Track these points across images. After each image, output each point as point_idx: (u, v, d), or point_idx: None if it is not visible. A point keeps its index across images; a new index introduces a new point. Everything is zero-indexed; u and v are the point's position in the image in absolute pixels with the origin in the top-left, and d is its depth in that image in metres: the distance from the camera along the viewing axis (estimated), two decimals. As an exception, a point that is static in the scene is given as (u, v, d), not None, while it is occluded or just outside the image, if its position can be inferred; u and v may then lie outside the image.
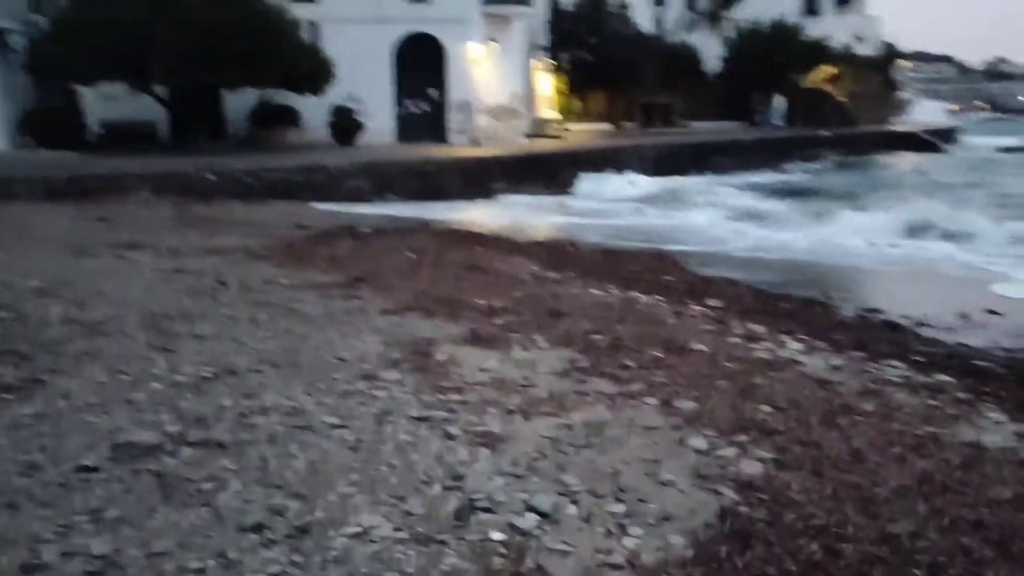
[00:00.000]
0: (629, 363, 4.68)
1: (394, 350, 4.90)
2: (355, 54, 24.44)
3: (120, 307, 6.08)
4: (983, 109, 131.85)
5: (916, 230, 12.70)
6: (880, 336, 6.02)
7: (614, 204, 18.68)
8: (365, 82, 25.29)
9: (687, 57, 39.86)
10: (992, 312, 7.17)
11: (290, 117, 25.53)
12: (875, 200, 17.30)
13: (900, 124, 45.36)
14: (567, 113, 37.05)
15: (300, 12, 22.90)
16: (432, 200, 19.38)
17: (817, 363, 5.03)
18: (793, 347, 5.38)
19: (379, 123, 25.91)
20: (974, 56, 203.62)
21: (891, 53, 44.30)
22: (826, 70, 41.10)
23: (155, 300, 6.37)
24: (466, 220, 14.91)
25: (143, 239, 9.98)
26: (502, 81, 27.90)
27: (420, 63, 26.63)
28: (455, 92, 26.89)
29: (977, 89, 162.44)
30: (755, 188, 22.30)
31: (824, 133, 34.55)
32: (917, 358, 5.34)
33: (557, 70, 35.83)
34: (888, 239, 12.26)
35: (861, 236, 12.35)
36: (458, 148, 24.78)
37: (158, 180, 15.61)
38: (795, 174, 28.52)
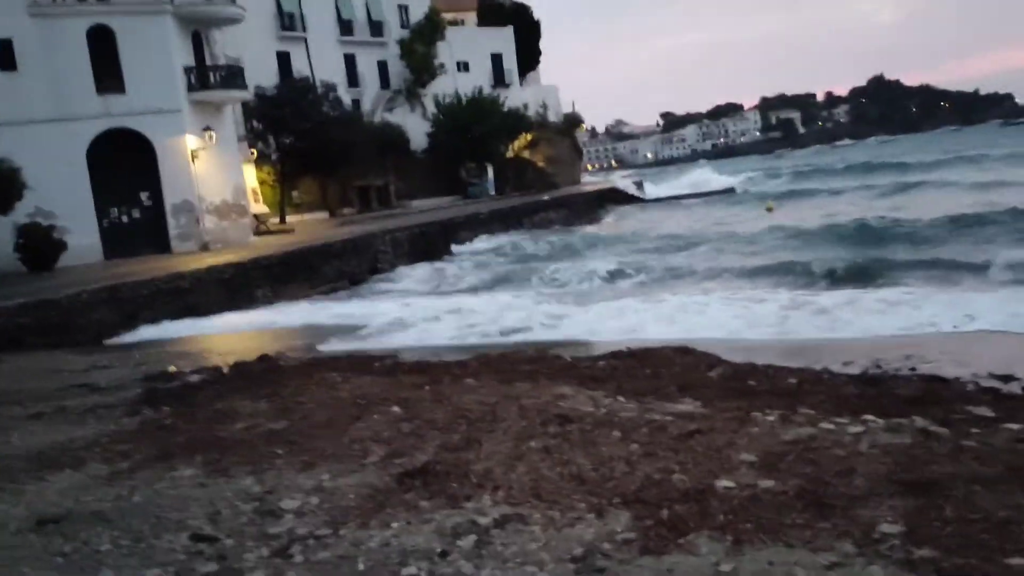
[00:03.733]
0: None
1: None
2: (39, 160, 20.02)
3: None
4: (616, 167, 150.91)
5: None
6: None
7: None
8: (57, 192, 20.86)
9: (393, 136, 39.44)
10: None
11: (-43, 245, 20.09)
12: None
13: (591, 184, 49.45)
14: (274, 206, 34.43)
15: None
16: (193, 318, 16.22)
17: None
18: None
19: (82, 239, 21.47)
20: (599, 121, 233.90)
21: (574, 119, 48.16)
22: (525, 138, 43.40)
23: None
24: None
25: None
26: (223, 175, 24.85)
27: (123, 163, 22.68)
28: (172, 193, 23.27)
29: (607, 150, 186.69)
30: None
31: (545, 198, 36.02)
32: None
33: (260, 160, 33.21)
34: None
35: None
36: (189, 257, 21.30)
37: None
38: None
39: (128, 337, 14.56)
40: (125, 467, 5.21)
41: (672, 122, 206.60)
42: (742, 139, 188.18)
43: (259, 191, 32.90)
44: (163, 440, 5.81)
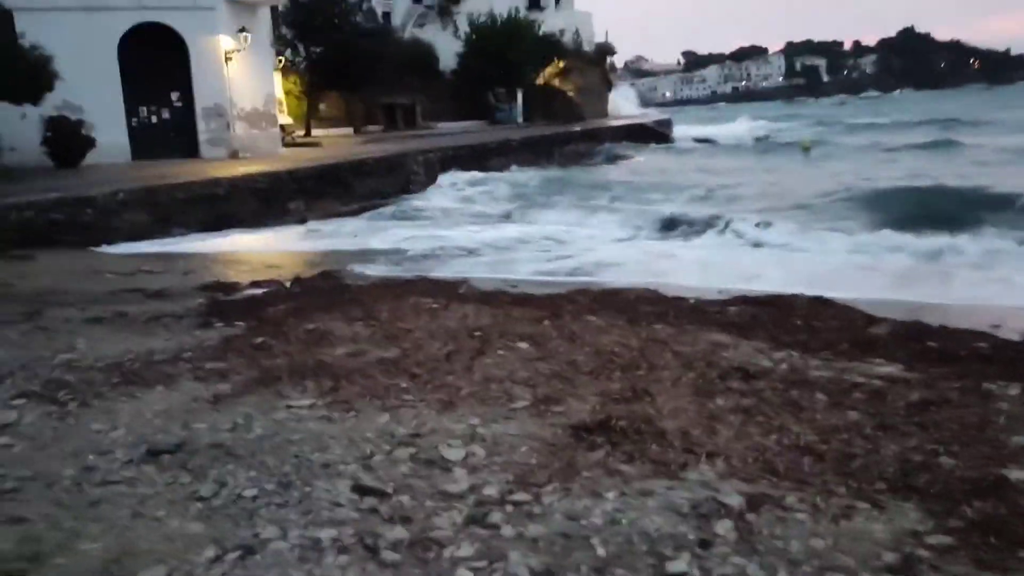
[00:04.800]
0: None
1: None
2: (68, 51, 18.90)
3: None
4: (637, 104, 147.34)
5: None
6: None
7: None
8: (86, 87, 19.86)
9: (422, 54, 38.03)
10: None
11: (-17, 135, 19.25)
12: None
13: (618, 118, 48.03)
14: (299, 118, 33.38)
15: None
16: (227, 229, 15.56)
17: None
18: None
19: (109, 137, 20.56)
20: (618, 56, 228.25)
21: (606, 49, 46.49)
22: (557, 65, 41.91)
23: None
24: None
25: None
26: (255, 82, 23.79)
27: (154, 61, 21.61)
28: (204, 96, 22.27)
29: (626, 86, 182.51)
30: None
31: (577, 128, 34.88)
32: None
33: (286, 70, 31.99)
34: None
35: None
36: (219, 163, 20.48)
37: None
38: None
39: (164, 242, 13.90)
40: (227, 390, 4.61)
41: (693, 62, 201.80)
42: (764, 84, 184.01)
43: (284, 102, 31.80)
44: (259, 360, 5.20)
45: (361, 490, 3.12)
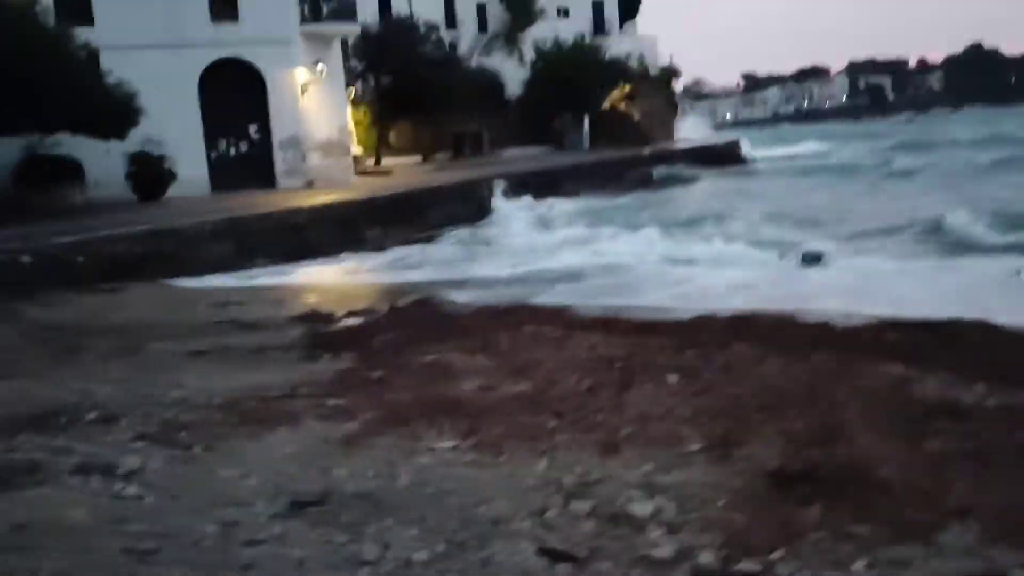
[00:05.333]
0: None
1: None
2: (151, 87, 19.20)
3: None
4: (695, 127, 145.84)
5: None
6: None
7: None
8: (166, 121, 20.13)
9: (489, 82, 38.07)
10: None
11: (71, 171, 19.69)
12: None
13: (686, 140, 47.33)
14: (369, 147, 33.65)
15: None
16: (307, 258, 15.48)
17: None
18: None
19: (189, 171, 20.86)
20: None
21: (671, 72, 45.95)
22: (623, 89, 41.53)
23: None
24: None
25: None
26: (329, 112, 24.00)
27: (232, 95, 21.96)
28: (280, 128, 22.52)
29: (684, 109, 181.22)
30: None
31: (645, 152, 34.37)
32: None
33: (357, 100, 32.32)
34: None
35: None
36: (297, 194, 20.60)
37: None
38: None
39: (249, 274, 13.84)
40: (356, 430, 4.25)
41: (753, 83, 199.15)
42: (827, 104, 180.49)
43: (354, 132, 32.14)
44: (381, 396, 4.84)
45: (550, 554, 2.68)
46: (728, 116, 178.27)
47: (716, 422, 3.86)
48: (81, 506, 3.34)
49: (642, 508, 2.99)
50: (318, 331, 7.74)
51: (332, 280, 13.13)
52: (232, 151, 22.48)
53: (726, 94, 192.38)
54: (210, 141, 21.94)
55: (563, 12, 42.37)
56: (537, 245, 14.78)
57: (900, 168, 29.17)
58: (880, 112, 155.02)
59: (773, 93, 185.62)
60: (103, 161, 20.06)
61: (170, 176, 20.06)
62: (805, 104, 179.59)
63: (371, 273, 13.86)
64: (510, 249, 15.38)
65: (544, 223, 19.05)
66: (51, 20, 16.98)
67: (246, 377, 5.83)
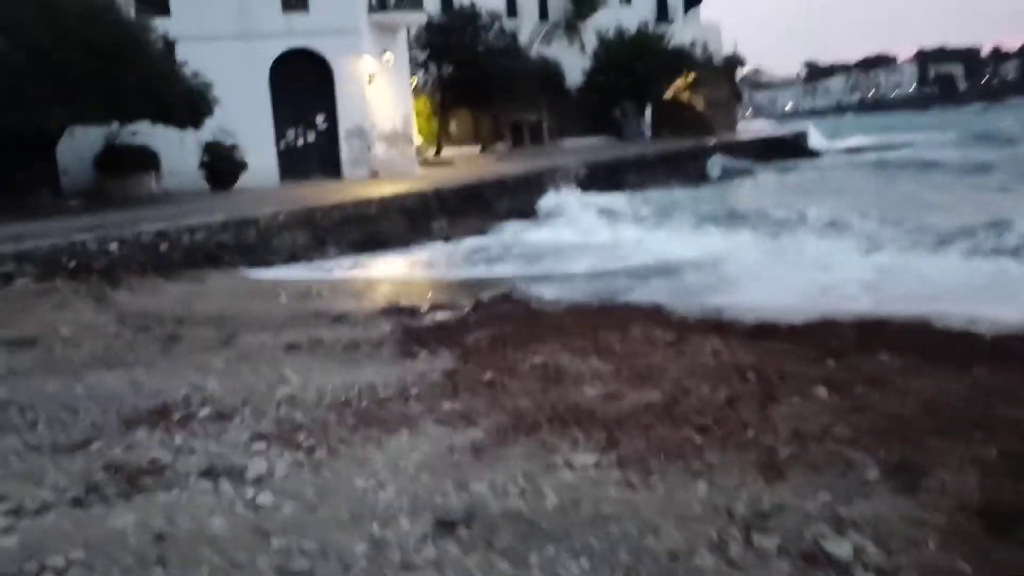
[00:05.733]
0: None
1: None
2: (223, 78, 19.28)
3: None
4: (749, 117, 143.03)
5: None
6: None
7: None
8: (237, 111, 20.24)
9: (549, 71, 37.69)
10: None
11: (148, 160, 20.04)
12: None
13: (751, 131, 46.28)
14: (430, 137, 33.62)
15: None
16: (378, 249, 15.41)
17: None
18: None
19: (259, 160, 21.05)
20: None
21: (735, 61, 44.93)
22: (686, 79, 40.73)
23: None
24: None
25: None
26: (394, 102, 23.94)
27: (300, 85, 22.04)
28: (347, 118, 22.54)
29: (746, 99, 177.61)
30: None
31: (712, 142, 33.61)
32: None
33: (418, 90, 32.26)
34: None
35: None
36: (363, 183, 20.60)
37: (38, 259, 10.41)
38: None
39: (324, 264, 13.79)
40: (482, 439, 4.03)
41: (816, 71, 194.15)
42: (894, 93, 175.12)
43: (415, 121, 32.13)
44: (499, 401, 4.61)
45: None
46: (789, 106, 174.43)
47: (886, 445, 3.53)
48: (219, 514, 3.18)
49: (839, 548, 2.68)
50: (408, 326, 7.56)
51: (405, 272, 12.98)
52: (300, 141, 22.57)
53: (787, 83, 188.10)
54: (279, 131, 22.08)
55: (626, 0, 41.70)
56: (616, 239, 14.41)
57: (977, 161, 27.65)
58: (951, 102, 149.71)
59: (837, 82, 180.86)
60: (177, 151, 20.36)
61: (241, 166, 20.25)
62: (871, 94, 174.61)
63: (444, 265, 13.70)
64: (584, 244, 15.05)
65: (614, 215, 18.68)
66: (131, 11, 17.22)
67: (348, 374, 5.66)
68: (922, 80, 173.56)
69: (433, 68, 31.29)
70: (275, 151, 21.96)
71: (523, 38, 38.68)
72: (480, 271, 13.02)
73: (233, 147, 20.05)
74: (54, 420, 4.70)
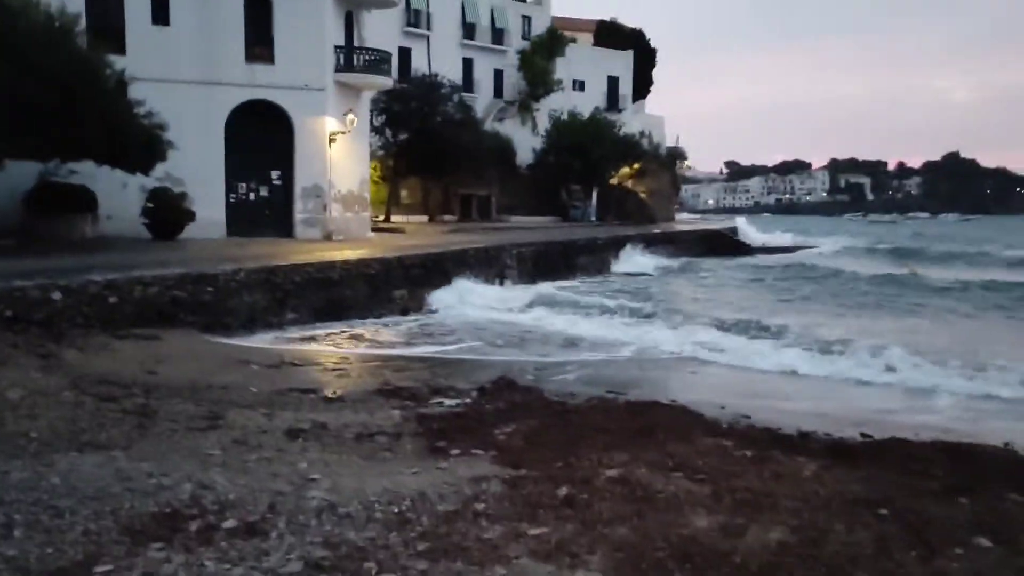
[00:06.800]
0: None
1: None
2: (177, 122, 18.24)
3: None
4: (679, 210, 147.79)
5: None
6: None
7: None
8: (188, 159, 19.20)
9: (502, 148, 37.82)
10: None
11: (85, 202, 18.67)
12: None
13: (686, 223, 47.32)
14: (378, 203, 32.95)
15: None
16: (338, 317, 14.54)
17: None
18: None
19: (207, 212, 19.93)
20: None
21: (677, 153, 46.23)
22: (633, 167, 41.56)
23: None
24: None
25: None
26: (353, 165, 23.29)
27: (257, 138, 21.17)
28: (304, 175, 21.70)
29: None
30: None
31: (656, 231, 34.03)
32: None
33: (372, 154, 31.75)
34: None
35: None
36: (317, 245, 19.68)
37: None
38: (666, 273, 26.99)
39: (285, 333, 12.80)
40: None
41: (737, 172, 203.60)
42: (808, 198, 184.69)
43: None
44: (596, 529, 3.87)
45: None
46: (710, 201, 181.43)
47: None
48: None
49: None
50: (420, 414, 6.73)
51: (376, 346, 12.06)
52: (252, 195, 21.55)
53: (710, 180, 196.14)
54: (230, 183, 21.04)
55: (579, 85, 42.65)
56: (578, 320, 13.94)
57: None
58: (859, 210, 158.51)
59: (756, 183, 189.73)
60: (118, 194, 19.07)
61: (188, 216, 19.06)
62: (786, 196, 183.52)
63: (419, 339, 12.87)
64: (558, 331, 14.39)
65: (576, 299, 18.22)
66: (84, 44, 16.17)
67: (383, 477, 4.81)
68: (834, 187, 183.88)
69: (388, 133, 30.81)
70: (224, 203, 20.85)
71: (478, 113, 38.89)
72: (453, 345, 12.28)
73: (182, 195, 18.89)
74: (34, 525, 3.70)
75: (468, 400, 7.48)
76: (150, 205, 18.70)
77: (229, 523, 3.84)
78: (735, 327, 13.23)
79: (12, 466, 4.59)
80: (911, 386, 9.04)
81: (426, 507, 4.17)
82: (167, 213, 18.72)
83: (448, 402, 7.36)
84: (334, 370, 9.30)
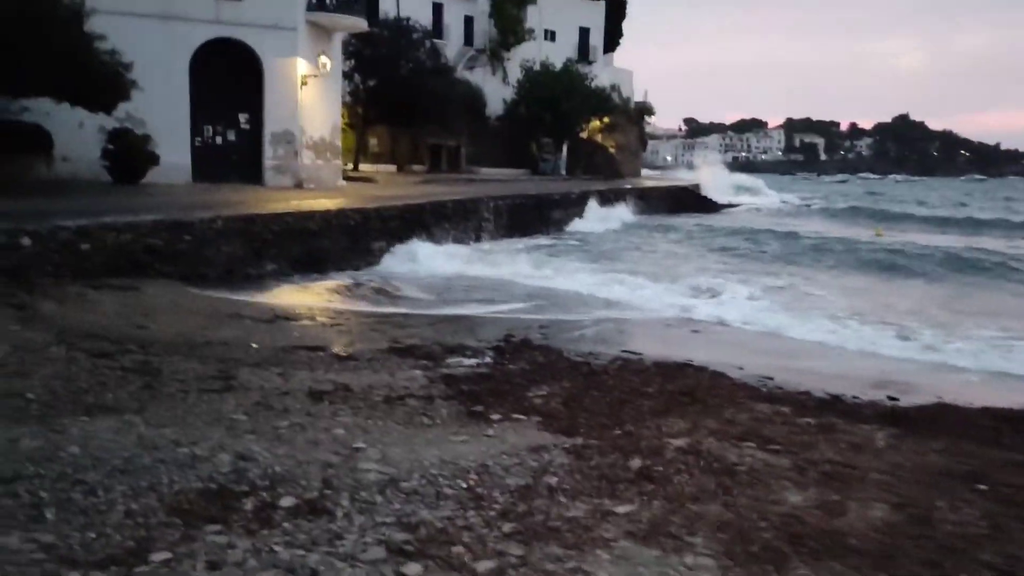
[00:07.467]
0: None
1: None
2: (139, 59, 17.07)
3: None
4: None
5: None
6: None
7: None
8: (151, 99, 18.12)
9: (472, 97, 36.92)
10: None
11: (39, 142, 17.55)
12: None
13: (653, 179, 47.16)
14: (346, 151, 31.97)
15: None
16: (317, 269, 13.98)
17: None
18: None
19: (172, 156, 18.91)
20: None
21: (645, 108, 45.78)
22: (603, 120, 41.03)
23: None
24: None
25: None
26: (325, 110, 22.38)
27: (225, 79, 20.16)
28: (274, 120, 20.77)
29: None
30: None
31: (627, 186, 33.74)
32: None
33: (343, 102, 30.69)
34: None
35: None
36: (291, 194, 18.89)
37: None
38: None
39: (263, 283, 12.23)
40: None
41: (695, 129, 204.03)
42: (763, 156, 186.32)
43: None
44: (686, 506, 3.59)
45: None
46: (668, 158, 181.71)
47: None
48: None
49: None
50: (444, 375, 6.35)
51: (369, 301, 11.57)
52: (219, 140, 20.57)
53: (668, 136, 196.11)
54: (196, 126, 20.01)
55: (550, 35, 41.70)
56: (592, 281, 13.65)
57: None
58: (812, 170, 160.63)
59: (713, 140, 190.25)
60: (75, 134, 17.96)
61: (152, 159, 18.07)
62: (743, 155, 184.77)
63: (405, 292, 12.43)
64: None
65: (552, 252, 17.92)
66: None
67: (432, 445, 4.45)
68: (789, 147, 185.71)
69: (358, 79, 29.72)
70: (190, 147, 19.87)
71: (448, 60, 37.79)
72: (450, 301, 11.87)
73: (146, 137, 17.89)
74: (66, 505, 3.26)
75: (488, 360, 7.13)
76: (111, 147, 17.67)
77: (286, 501, 3.45)
78: (724, 288, 13.10)
79: (18, 432, 4.11)
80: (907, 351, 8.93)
81: (495, 481, 3.84)
82: (129, 156, 17.73)
83: (467, 362, 6.99)
84: (332, 326, 8.86)
